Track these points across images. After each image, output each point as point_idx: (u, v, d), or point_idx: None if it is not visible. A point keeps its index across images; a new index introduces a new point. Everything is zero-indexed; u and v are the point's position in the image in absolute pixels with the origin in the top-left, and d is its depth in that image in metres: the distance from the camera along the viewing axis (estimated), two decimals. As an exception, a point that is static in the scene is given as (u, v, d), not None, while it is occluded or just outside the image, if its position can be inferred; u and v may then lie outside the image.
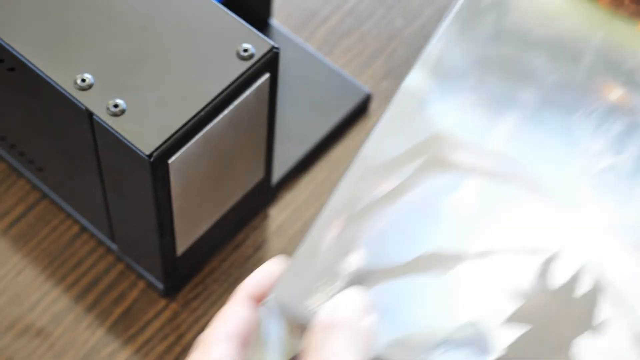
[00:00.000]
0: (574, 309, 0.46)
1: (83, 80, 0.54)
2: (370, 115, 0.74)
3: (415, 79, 0.51)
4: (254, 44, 0.56)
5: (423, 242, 0.47)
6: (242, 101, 0.56)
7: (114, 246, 0.66)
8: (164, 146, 0.53)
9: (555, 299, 0.46)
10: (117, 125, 0.53)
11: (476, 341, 0.45)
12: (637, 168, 0.50)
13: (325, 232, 0.47)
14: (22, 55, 0.55)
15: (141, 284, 0.66)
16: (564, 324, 0.46)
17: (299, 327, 0.44)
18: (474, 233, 0.48)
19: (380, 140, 0.50)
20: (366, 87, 0.74)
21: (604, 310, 0.46)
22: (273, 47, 0.56)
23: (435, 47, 0.53)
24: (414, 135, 0.50)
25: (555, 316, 0.46)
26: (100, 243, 0.67)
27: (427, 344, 0.45)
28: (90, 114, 0.54)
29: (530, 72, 0.52)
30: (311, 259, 0.46)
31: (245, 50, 0.56)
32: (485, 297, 0.46)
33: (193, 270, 0.66)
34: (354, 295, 0.44)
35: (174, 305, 0.66)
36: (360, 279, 0.45)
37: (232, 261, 0.67)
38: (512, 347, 0.45)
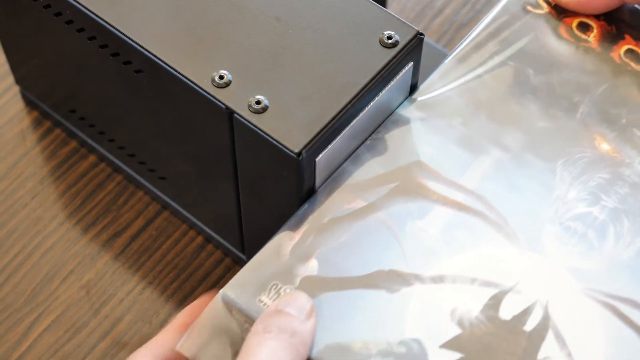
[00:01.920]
0: (518, 342, 0.47)
1: (221, 77, 0.51)
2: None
3: (407, 110, 0.54)
4: (397, 30, 0.53)
5: (381, 259, 0.49)
6: (386, 92, 0.53)
7: (242, 256, 0.62)
8: (312, 143, 0.49)
9: (500, 330, 0.47)
10: (260, 123, 0.50)
11: (409, 359, 0.46)
12: (608, 221, 0.51)
13: (290, 236, 0.50)
14: (153, 55, 0.52)
15: (272, 295, 0.62)
16: (502, 355, 0.47)
17: (247, 321, 0.47)
18: (432, 259, 0.49)
19: (360, 160, 0.52)
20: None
21: (549, 348, 0.47)
22: (418, 33, 0.53)
23: (431, 83, 0.55)
24: (394, 160, 0.52)
25: (495, 347, 0.47)
26: (227, 253, 0.63)
27: (363, 353, 0.46)
28: (230, 113, 0.50)
29: (521, 116, 0.54)
30: (271, 259, 0.49)
31: (389, 38, 0.52)
32: (430, 319, 0.48)
33: (327, 278, 0.63)
34: (299, 297, 0.47)
35: (308, 316, 0.62)
36: (313, 285, 0.48)
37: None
38: None
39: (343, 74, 0.51)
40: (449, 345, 0.47)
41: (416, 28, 0.53)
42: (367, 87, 0.51)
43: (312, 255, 0.49)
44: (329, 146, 0.51)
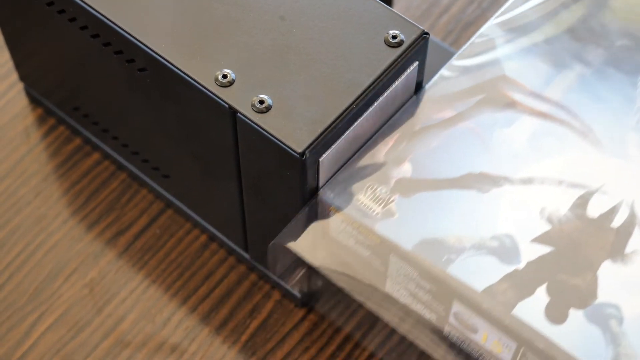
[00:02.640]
0: (606, 237, 0.49)
1: (224, 76, 0.51)
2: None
3: (491, 28, 0.56)
4: (402, 29, 0.52)
5: (471, 163, 0.52)
6: (391, 92, 0.52)
7: (245, 255, 0.62)
8: (316, 143, 0.49)
9: (588, 227, 0.50)
10: (264, 122, 0.49)
11: (502, 252, 0.49)
12: None
13: (384, 142, 0.52)
14: (156, 53, 0.51)
15: (276, 295, 0.62)
16: (592, 249, 0.49)
17: (344, 220, 0.51)
18: (520, 163, 0.52)
19: (447, 73, 0.55)
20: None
21: (636, 243, 0.49)
22: (423, 32, 0.52)
23: (513, 2, 0.57)
24: (480, 74, 0.54)
25: (584, 241, 0.49)
26: (230, 252, 0.63)
27: (456, 247, 0.49)
28: (234, 112, 0.50)
29: (601, 35, 0.55)
30: (366, 163, 0.52)
31: (394, 37, 0.52)
32: (520, 217, 0.50)
33: (331, 278, 0.62)
34: None
35: (312, 316, 0.62)
36: (407, 186, 0.51)
37: (369, 267, 0.63)
38: (535, 262, 0.49)
39: (347, 73, 0.51)
40: (540, 239, 0.50)
41: (421, 27, 0.52)
42: (371, 87, 0.51)
43: (406, 159, 0.52)
44: (333, 146, 0.50)
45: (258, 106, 0.50)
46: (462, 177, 0.51)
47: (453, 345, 0.51)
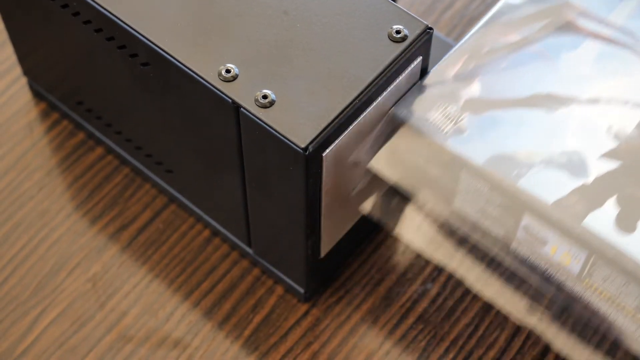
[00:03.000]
0: None
1: (228, 71, 0.50)
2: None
3: None
4: (406, 24, 0.52)
5: (538, 84, 0.53)
6: (394, 87, 0.52)
7: (248, 250, 0.62)
8: (320, 138, 0.49)
9: None
10: (267, 117, 0.49)
11: (571, 167, 0.50)
12: None
13: (451, 65, 0.54)
14: (159, 48, 0.51)
15: (279, 290, 0.62)
16: None
17: (414, 135, 0.52)
18: (587, 84, 0.53)
19: (512, 2, 0.56)
20: (501, 73, 0.70)
21: None
22: (427, 28, 0.52)
23: None
24: (544, 1, 0.56)
25: None
26: (234, 247, 0.63)
27: (526, 162, 0.50)
28: (237, 107, 0.50)
29: None
30: (435, 83, 0.53)
31: (398, 32, 0.52)
32: (588, 134, 0.52)
33: (334, 273, 0.62)
34: None
35: (315, 311, 0.62)
36: (476, 105, 0.52)
37: (372, 262, 0.63)
38: (604, 176, 0.50)
39: (351, 68, 0.51)
40: (608, 155, 0.51)
41: (425, 22, 0.52)
42: (375, 82, 0.51)
43: (475, 79, 0.53)
44: (336, 141, 0.50)
45: (261, 101, 0.50)
46: (530, 97, 0.53)
47: (519, 261, 0.52)
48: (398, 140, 0.52)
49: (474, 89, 0.53)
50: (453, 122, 0.52)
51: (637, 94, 0.53)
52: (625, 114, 0.52)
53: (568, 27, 0.55)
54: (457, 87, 0.53)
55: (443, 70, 0.54)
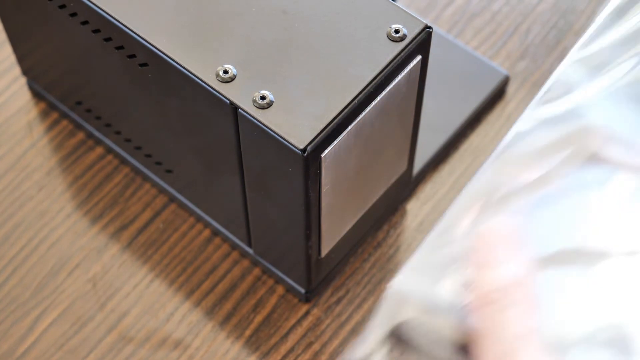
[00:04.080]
0: None
1: (225, 72, 0.50)
2: (508, 99, 0.69)
3: (567, 68, 0.48)
4: (405, 24, 0.52)
5: (565, 236, 0.44)
6: (393, 87, 0.52)
7: (249, 250, 0.62)
8: (318, 139, 0.49)
9: None
10: (265, 118, 0.49)
11: (619, 343, 0.41)
12: None
13: (461, 217, 0.44)
14: (157, 49, 0.51)
15: (280, 289, 0.62)
16: None
17: (426, 311, 0.42)
18: (622, 230, 0.44)
19: (525, 127, 0.46)
20: (503, 69, 0.69)
21: None
22: (426, 27, 0.52)
23: (590, 36, 0.48)
24: (562, 126, 0.46)
25: None
26: (234, 247, 0.63)
27: (565, 342, 0.41)
28: (235, 108, 0.50)
29: None
30: (444, 244, 0.43)
31: (397, 31, 0.51)
32: (631, 298, 0.42)
33: (334, 273, 0.62)
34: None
35: (315, 311, 0.61)
36: None
37: (373, 261, 0.63)
38: None
39: (350, 68, 0.51)
40: None
41: (424, 21, 0.52)
42: (374, 82, 0.50)
43: None
44: (335, 142, 0.50)
45: (259, 102, 0.49)
46: (554, 255, 0.44)
47: None
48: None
49: None
50: (469, 292, 0.43)
51: None
52: None
53: (592, 158, 0.45)
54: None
55: (453, 222, 0.45)
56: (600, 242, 0.43)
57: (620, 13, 0.49)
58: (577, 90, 0.47)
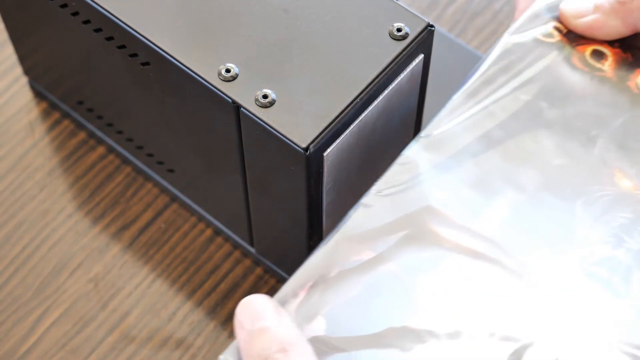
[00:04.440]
0: None
1: (227, 70, 0.50)
2: (509, 98, 0.69)
3: (415, 150, 0.49)
4: (407, 22, 0.52)
5: (392, 315, 0.45)
6: (395, 85, 0.52)
7: (251, 249, 0.62)
8: (320, 138, 0.49)
9: None
10: (267, 117, 0.49)
11: None
12: (633, 265, 0.47)
13: (294, 295, 0.45)
14: (159, 48, 0.51)
15: (282, 289, 0.62)
16: None
17: None
18: (447, 312, 0.45)
19: (369, 202, 0.48)
20: (504, 69, 0.69)
21: None
22: (428, 25, 0.52)
23: (439, 119, 0.51)
24: (403, 206, 0.48)
25: None
26: (236, 246, 0.63)
27: None
28: (237, 107, 0.50)
29: (535, 153, 0.50)
30: (275, 326, 0.44)
31: (399, 30, 0.51)
32: None
33: (337, 272, 0.62)
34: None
35: (318, 310, 0.61)
36: (321, 346, 0.44)
37: (376, 260, 0.63)
38: None
39: (352, 67, 0.51)
40: None
41: (427, 20, 0.52)
42: (376, 81, 0.50)
43: (319, 313, 0.45)
44: (338, 141, 0.50)
45: (262, 101, 0.49)
46: (382, 333, 0.45)
47: None
48: None
49: (318, 326, 0.44)
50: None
51: (503, 324, 0.45)
52: (490, 351, 0.44)
53: (429, 239, 0.47)
54: (299, 323, 0.44)
55: (283, 301, 0.45)
56: (424, 323, 0.45)
57: (472, 94, 0.51)
58: (420, 171, 0.49)
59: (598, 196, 0.49)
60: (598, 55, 0.53)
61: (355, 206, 0.48)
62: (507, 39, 0.53)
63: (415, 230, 0.47)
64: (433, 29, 0.52)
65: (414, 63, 0.52)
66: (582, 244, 0.47)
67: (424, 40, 0.52)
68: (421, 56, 0.53)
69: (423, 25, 0.52)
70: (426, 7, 0.73)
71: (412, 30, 0.52)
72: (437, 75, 0.67)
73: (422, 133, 0.50)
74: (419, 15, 0.52)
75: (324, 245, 0.47)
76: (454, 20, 0.72)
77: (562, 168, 0.50)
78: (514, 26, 0.54)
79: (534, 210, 0.48)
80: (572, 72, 0.52)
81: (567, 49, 0.53)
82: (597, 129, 0.51)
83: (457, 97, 0.52)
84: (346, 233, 0.47)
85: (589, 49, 0.53)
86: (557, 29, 0.53)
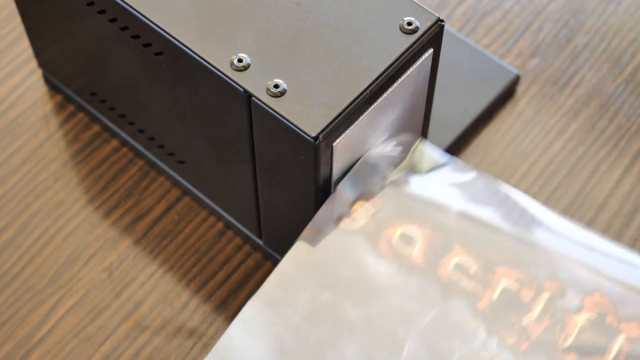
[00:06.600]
0: None
1: (240, 60, 0.51)
2: (518, 97, 0.70)
3: None
4: (417, 16, 0.53)
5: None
6: (405, 78, 0.53)
7: (260, 242, 0.62)
8: (330, 127, 0.50)
9: None
10: (278, 106, 0.50)
11: None
12: None
13: None
14: (173, 37, 0.52)
15: (292, 280, 0.63)
16: None
17: None
18: None
19: None
20: (513, 68, 0.70)
21: None
22: (439, 20, 0.53)
23: (234, 330, 0.48)
24: None
25: None
26: (247, 240, 0.64)
27: None
28: (249, 96, 0.51)
29: None
30: None
31: (410, 24, 0.52)
32: None
33: (346, 264, 0.63)
34: None
35: (327, 302, 0.62)
36: None
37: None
38: None
39: (362, 59, 0.51)
40: None
41: (437, 14, 0.53)
42: (385, 73, 0.51)
43: None
44: (347, 131, 0.51)
45: (273, 90, 0.50)
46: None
47: None
48: None
49: None
50: None
51: None
52: None
53: None
54: None
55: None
56: None
57: (270, 301, 0.48)
58: None
59: None
60: (407, 239, 0.49)
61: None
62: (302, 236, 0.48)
63: None
64: (443, 23, 0.53)
65: (423, 57, 0.53)
66: None
67: (434, 35, 0.53)
68: (431, 50, 0.53)
69: (433, 20, 0.53)
70: (436, 6, 0.74)
71: (422, 25, 0.52)
72: (447, 74, 0.68)
73: (214, 351, 0.47)
74: (429, 10, 0.53)
75: None
76: (464, 19, 0.73)
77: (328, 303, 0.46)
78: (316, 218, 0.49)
79: None
80: (377, 262, 0.48)
81: (373, 234, 0.49)
82: (404, 328, 0.47)
83: (250, 304, 0.48)
84: None
85: (397, 232, 0.49)
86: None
